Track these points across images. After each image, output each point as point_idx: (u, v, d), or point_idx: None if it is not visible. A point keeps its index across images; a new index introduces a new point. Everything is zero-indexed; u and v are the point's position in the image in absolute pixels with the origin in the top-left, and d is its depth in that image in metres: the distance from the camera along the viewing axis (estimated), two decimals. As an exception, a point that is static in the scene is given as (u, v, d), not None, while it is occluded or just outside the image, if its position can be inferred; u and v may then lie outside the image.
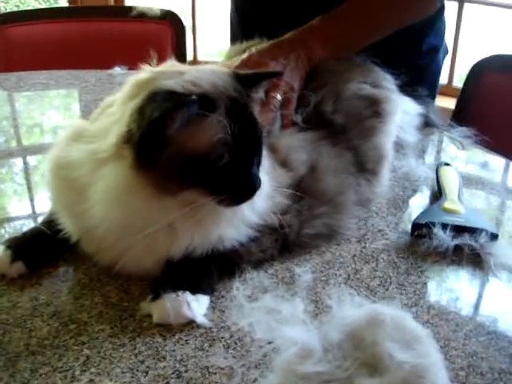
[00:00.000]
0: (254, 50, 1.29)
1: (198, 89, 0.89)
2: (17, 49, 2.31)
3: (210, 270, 0.96)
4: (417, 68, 1.60)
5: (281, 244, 1.04)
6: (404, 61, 1.40)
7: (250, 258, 1.00)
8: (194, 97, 0.85)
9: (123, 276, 0.97)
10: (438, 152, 1.60)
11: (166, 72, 0.94)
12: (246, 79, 0.97)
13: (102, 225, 0.92)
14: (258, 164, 0.95)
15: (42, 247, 1.02)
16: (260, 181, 0.92)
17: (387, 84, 1.38)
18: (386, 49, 1.37)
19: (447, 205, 1.15)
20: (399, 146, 1.42)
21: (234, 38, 1.76)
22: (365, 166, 1.22)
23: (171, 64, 1.01)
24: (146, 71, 0.96)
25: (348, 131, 1.23)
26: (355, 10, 1.43)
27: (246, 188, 0.91)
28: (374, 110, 1.29)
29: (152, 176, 0.87)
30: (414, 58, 1.64)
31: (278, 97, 1.21)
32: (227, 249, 0.97)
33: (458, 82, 3.82)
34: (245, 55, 1.27)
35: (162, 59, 1.02)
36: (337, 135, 1.21)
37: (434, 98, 1.75)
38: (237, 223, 0.98)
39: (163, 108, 0.83)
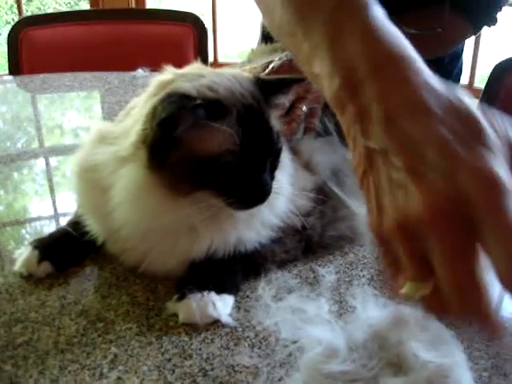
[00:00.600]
0: (284, 56, 1.28)
1: (212, 94, 0.89)
2: (41, 51, 2.34)
3: (235, 270, 0.97)
4: (440, 74, 1.59)
5: (304, 245, 1.05)
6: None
7: (274, 259, 1.00)
8: (199, 101, 0.85)
9: (149, 276, 0.99)
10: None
11: (187, 74, 0.95)
12: (269, 85, 0.97)
13: (124, 226, 0.94)
14: (273, 169, 0.95)
15: (69, 248, 1.03)
16: (270, 187, 0.92)
17: None
18: None
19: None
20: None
21: (264, 39, 1.76)
22: None
23: (196, 66, 1.02)
24: (169, 72, 0.97)
25: None
26: None
27: (255, 193, 0.91)
28: None
29: (164, 176, 0.89)
30: (439, 66, 1.63)
31: (304, 108, 1.20)
32: (250, 250, 0.98)
33: (479, 83, 3.80)
34: (277, 61, 1.25)
35: (184, 61, 1.03)
36: None
37: None
38: (256, 225, 0.98)
39: (170, 110, 0.84)
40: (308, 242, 1.05)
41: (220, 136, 0.87)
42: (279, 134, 0.95)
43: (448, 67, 1.72)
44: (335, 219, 1.08)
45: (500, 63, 1.96)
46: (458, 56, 1.76)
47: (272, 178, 0.94)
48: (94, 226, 1.01)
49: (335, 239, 1.07)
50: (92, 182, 0.99)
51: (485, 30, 1.55)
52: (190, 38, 2.33)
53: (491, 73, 1.98)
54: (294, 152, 1.11)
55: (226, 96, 0.90)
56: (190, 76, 0.94)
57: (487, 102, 1.95)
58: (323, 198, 1.07)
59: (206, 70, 0.99)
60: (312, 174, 1.11)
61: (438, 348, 0.71)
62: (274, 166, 0.95)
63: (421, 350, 0.70)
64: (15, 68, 2.30)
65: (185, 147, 0.88)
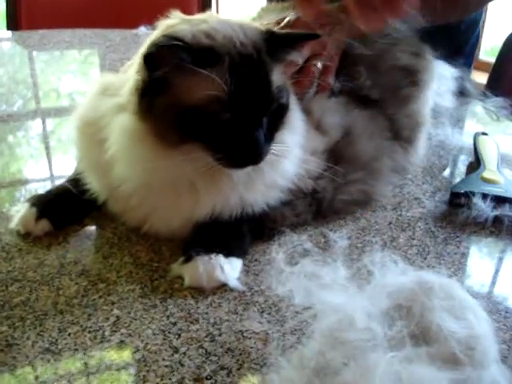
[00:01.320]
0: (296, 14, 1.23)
1: (207, 40, 0.85)
2: (40, 7, 2.28)
3: (243, 233, 0.93)
4: (456, 41, 1.56)
5: (315, 209, 1.01)
6: (445, 35, 1.35)
7: (284, 222, 0.97)
8: (183, 44, 0.81)
9: (152, 236, 0.95)
10: (473, 122, 1.55)
11: (192, 20, 0.91)
12: (279, 39, 0.91)
13: (120, 178, 0.91)
14: (272, 129, 0.89)
15: (68, 205, 0.99)
16: (263, 147, 0.86)
17: (425, 53, 1.33)
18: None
19: (486, 174, 1.11)
20: (436, 113, 1.38)
21: None
22: (400, 134, 1.17)
23: (208, 14, 0.97)
24: (176, 17, 0.92)
25: (384, 103, 1.17)
26: None
27: (245, 151, 0.86)
28: (411, 79, 1.23)
29: (152, 124, 0.86)
30: (456, 33, 1.59)
31: (319, 65, 1.14)
32: (259, 212, 0.94)
33: (486, 55, 3.76)
34: (291, 16, 1.19)
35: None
36: (372, 104, 1.16)
37: (469, 68, 1.70)
38: (260, 187, 0.94)
39: (153, 48, 0.81)
40: (318, 206, 1.01)
41: (207, 83, 0.82)
42: (282, 90, 0.90)
43: (465, 35, 1.68)
44: (346, 182, 1.03)
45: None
46: (475, 24, 1.71)
47: (270, 138, 0.89)
48: (94, 184, 0.97)
49: (346, 203, 1.03)
50: (92, 135, 0.95)
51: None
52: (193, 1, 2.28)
53: (503, 43, 1.93)
54: (306, 112, 1.06)
55: (221, 43, 0.85)
56: (194, 21, 0.89)
57: (499, 72, 1.91)
58: (334, 160, 1.03)
59: (214, 18, 0.94)
60: (324, 135, 1.06)
61: (464, 318, 0.67)
62: (273, 125, 0.89)
63: (446, 319, 0.66)
64: (14, 24, 2.24)
65: (171, 93, 0.84)
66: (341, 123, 1.09)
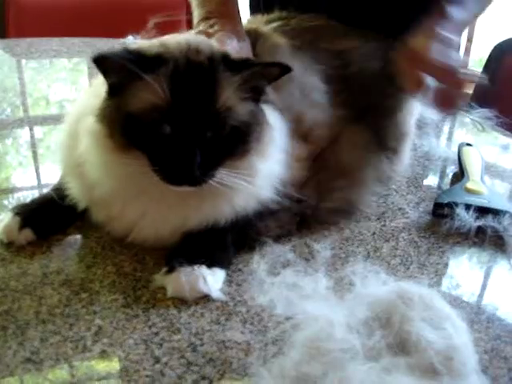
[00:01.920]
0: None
1: (158, 48, 0.86)
2: (28, 15, 2.27)
3: (227, 244, 0.93)
4: None
5: (299, 219, 1.01)
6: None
7: (268, 233, 0.96)
8: (125, 48, 0.84)
9: (137, 245, 0.95)
10: (459, 133, 1.56)
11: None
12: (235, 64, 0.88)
13: (93, 182, 0.92)
14: (219, 152, 0.86)
15: (52, 214, 0.99)
16: (201, 170, 0.83)
17: None
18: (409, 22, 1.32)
19: (470, 185, 1.12)
20: (421, 124, 1.39)
21: (254, 10, 1.71)
22: (386, 144, 1.18)
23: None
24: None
25: (371, 109, 1.18)
26: None
27: (177, 170, 0.84)
28: (396, 88, 1.24)
29: (106, 126, 0.87)
30: None
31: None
32: (243, 223, 0.94)
33: (473, 66, 3.77)
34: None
35: (175, 30, 0.99)
36: (360, 112, 1.17)
37: None
38: (233, 198, 0.92)
39: (100, 53, 0.83)
40: (303, 216, 1.01)
41: (148, 90, 0.83)
42: (237, 113, 0.86)
43: None
44: (330, 190, 1.04)
45: (499, 44, 1.92)
46: None
47: (215, 161, 0.86)
48: (74, 190, 0.97)
49: (330, 212, 1.04)
50: (73, 137, 0.96)
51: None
52: (182, 5, 2.27)
53: (490, 53, 1.94)
54: (296, 120, 1.06)
55: (170, 51, 0.86)
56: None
57: (483, 85, 1.91)
58: (318, 167, 1.03)
59: (197, 37, 0.95)
60: (310, 144, 1.06)
61: (443, 328, 0.67)
62: (222, 148, 0.86)
63: (425, 329, 0.66)
64: (1, 32, 2.23)
65: (120, 97, 0.85)
66: (328, 135, 1.09)
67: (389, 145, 1.19)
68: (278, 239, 0.97)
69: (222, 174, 0.86)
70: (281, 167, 0.96)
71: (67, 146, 0.99)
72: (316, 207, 1.02)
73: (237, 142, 0.87)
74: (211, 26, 1.14)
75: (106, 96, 0.87)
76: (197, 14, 1.20)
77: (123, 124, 0.85)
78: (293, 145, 1.01)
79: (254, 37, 1.18)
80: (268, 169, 0.93)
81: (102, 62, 0.83)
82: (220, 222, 0.92)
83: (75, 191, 0.97)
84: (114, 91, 0.87)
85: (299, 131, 1.05)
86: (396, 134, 1.21)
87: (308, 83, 1.13)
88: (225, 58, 0.87)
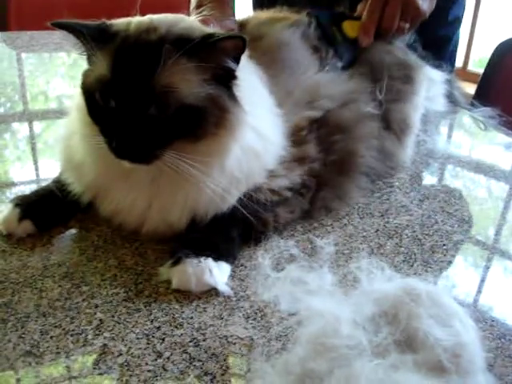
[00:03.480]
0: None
1: (121, 27, 0.87)
2: (30, 8, 2.26)
3: (233, 237, 0.92)
4: (439, 39, 1.60)
5: (309, 195, 1.02)
6: (429, 32, 1.38)
7: (278, 222, 0.97)
8: (83, 23, 0.86)
9: (139, 239, 0.94)
10: (461, 131, 1.56)
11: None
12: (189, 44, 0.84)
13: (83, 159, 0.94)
14: (169, 132, 0.84)
15: (52, 206, 0.98)
16: (137, 147, 0.83)
17: (412, 56, 1.35)
18: None
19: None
20: (425, 121, 1.38)
21: (258, 5, 1.71)
22: (390, 126, 1.19)
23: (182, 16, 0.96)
24: None
25: (380, 85, 1.20)
26: None
27: (118, 145, 0.84)
28: (406, 73, 1.25)
29: (83, 98, 0.89)
30: (439, 29, 1.61)
31: None
32: (251, 215, 0.92)
33: (473, 67, 3.78)
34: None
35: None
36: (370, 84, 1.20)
37: (452, 68, 1.73)
38: (187, 190, 0.90)
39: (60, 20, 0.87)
40: (315, 185, 1.02)
41: (98, 63, 0.85)
42: (184, 93, 0.83)
43: (449, 29, 1.70)
44: (331, 143, 1.06)
45: (502, 43, 1.91)
46: (458, 20, 1.73)
47: (160, 140, 0.84)
48: (74, 185, 0.97)
49: (334, 166, 1.05)
50: (71, 131, 0.98)
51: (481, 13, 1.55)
52: (185, 2, 2.26)
53: (493, 53, 1.93)
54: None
55: (123, 27, 0.86)
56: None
57: (488, 81, 1.91)
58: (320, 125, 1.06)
59: (176, 16, 0.94)
60: (312, 108, 1.08)
61: (451, 325, 0.66)
62: (166, 126, 0.84)
63: (433, 327, 0.65)
64: (3, 25, 2.22)
65: (87, 70, 0.88)
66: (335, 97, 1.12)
67: (392, 127, 1.20)
68: (287, 226, 0.98)
69: (172, 157, 0.84)
70: (254, 165, 0.94)
71: (64, 140, 0.99)
72: (323, 163, 1.03)
73: (187, 124, 0.85)
74: (200, 13, 1.15)
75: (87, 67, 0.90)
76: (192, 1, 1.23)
77: (84, 96, 0.88)
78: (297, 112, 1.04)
79: (246, 21, 1.26)
80: (229, 162, 0.90)
81: (62, 28, 0.87)
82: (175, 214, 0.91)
83: (75, 186, 0.96)
84: (89, 62, 0.89)
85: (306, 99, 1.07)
86: (400, 122, 1.22)
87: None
88: (179, 38, 0.84)
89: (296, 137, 1.02)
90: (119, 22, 0.89)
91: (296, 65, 1.13)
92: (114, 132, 0.83)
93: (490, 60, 1.93)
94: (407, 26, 1.29)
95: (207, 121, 0.85)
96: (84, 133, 0.91)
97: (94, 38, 0.85)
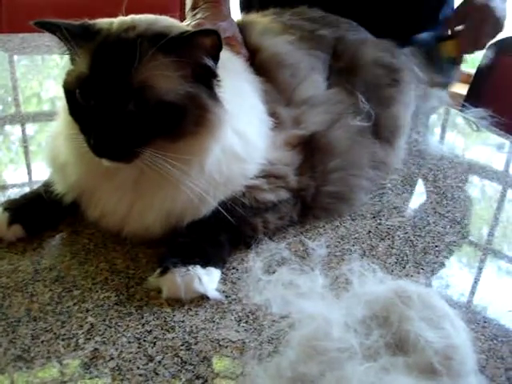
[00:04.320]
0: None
1: (102, 26, 0.87)
2: (21, 10, 2.26)
3: (221, 242, 0.91)
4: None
5: (300, 207, 1.01)
6: (419, 32, 1.39)
7: (268, 227, 0.96)
8: (64, 22, 0.86)
9: (130, 243, 0.94)
10: (454, 132, 1.56)
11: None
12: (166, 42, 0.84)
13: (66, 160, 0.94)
14: (135, 126, 0.83)
15: (42, 210, 0.97)
16: (115, 145, 0.83)
17: (402, 56, 1.35)
18: (403, 22, 1.33)
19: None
20: (417, 121, 1.38)
21: (245, 8, 1.71)
22: (380, 134, 1.18)
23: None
24: None
25: (367, 99, 1.17)
26: None
27: (96, 142, 0.83)
28: (393, 77, 1.25)
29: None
30: (430, 29, 1.62)
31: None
32: (236, 220, 0.92)
33: (465, 67, 3.78)
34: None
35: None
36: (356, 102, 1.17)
37: None
38: (166, 190, 0.89)
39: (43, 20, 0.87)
40: (303, 203, 1.01)
41: (78, 62, 0.86)
42: (161, 90, 0.83)
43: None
44: (327, 171, 1.03)
45: (494, 43, 1.91)
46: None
47: (139, 138, 0.84)
48: (59, 185, 0.97)
49: (331, 197, 1.03)
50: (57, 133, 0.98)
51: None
52: (176, 5, 2.27)
53: (485, 53, 1.93)
54: (290, 101, 1.08)
55: (105, 27, 0.87)
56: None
57: (480, 82, 1.92)
58: (311, 150, 1.03)
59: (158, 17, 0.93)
60: (300, 129, 1.05)
61: (442, 327, 0.66)
62: (144, 124, 0.83)
63: (424, 329, 0.65)
64: (-6, 27, 2.22)
65: (70, 69, 0.89)
66: (322, 120, 1.09)
67: (383, 135, 1.18)
68: (278, 232, 0.97)
69: (151, 156, 0.84)
70: (235, 169, 0.93)
71: (51, 141, 1.00)
72: (316, 192, 1.01)
73: (166, 121, 0.84)
74: (194, 16, 1.15)
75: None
76: (187, 1, 1.24)
77: (65, 94, 0.88)
78: (282, 130, 1.02)
79: (244, 24, 1.22)
80: (208, 162, 0.89)
81: (43, 28, 0.88)
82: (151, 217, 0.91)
83: (59, 187, 0.96)
84: (71, 62, 0.90)
85: (291, 116, 1.04)
86: (391, 126, 1.21)
87: (302, 65, 1.15)
88: (156, 35, 0.84)
89: (284, 154, 1.01)
90: (101, 22, 0.89)
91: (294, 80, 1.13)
92: (93, 129, 0.83)
93: (481, 61, 1.93)
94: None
95: (186, 119, 0.85)
96: (67, 133, 0.91)
97: (74, 37, 0.85)
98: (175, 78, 0.84)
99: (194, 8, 1.26)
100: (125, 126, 0.82)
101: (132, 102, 0.82)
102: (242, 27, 1.22)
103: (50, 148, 0.99)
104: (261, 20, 1.27)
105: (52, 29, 0.87)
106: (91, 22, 0.89)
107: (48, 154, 1.00)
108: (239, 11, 1.81)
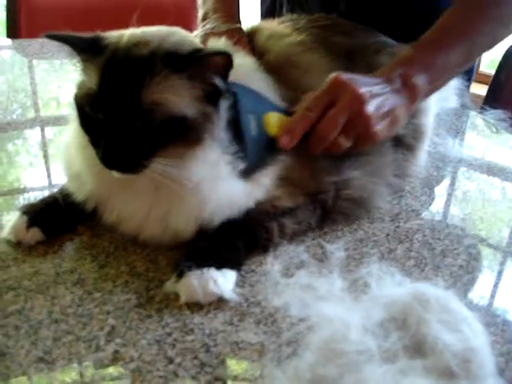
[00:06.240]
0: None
1: (112, 40, 0.88)
2: (40, 15, 2.27)
3: (236, 245, 0.92)
4: None
5: (320, 212, 1.01)
6: None
7: (285, 231, 0.96)
8: (74, 35, 0.88)
9: (149, 245, 0.94)
10: (473, 134, 1.55)
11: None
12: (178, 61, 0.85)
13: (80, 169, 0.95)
14: (143, 140, 0.84)
15: (61, 214, 0.98)
16: (123, 159, 0.84)
17: None
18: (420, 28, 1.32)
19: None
20: (437, 124, 1.38)
21: (268, 13, 1.71)
22: (401, 141, 1.17)
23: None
24: None
25: None
26: (450, 32, 1.15)
27: (106, 156, 0.85)
28: None
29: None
30: None
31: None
32: (254, 224, 0.93)
33: (486, 68, 3.76)
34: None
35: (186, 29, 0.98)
36: None
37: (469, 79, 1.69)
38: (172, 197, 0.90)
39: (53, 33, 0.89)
40: (323, 208, 1.01)
41: (87, 75, 0.86)
42: (171, 107, 0.84)
43: None
44: (347, 179, 1.03)
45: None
46: None
47: (147, 150, 0.85)
48: (77, 194, 0.97)
49: (351, 203, 1.03)
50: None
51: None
52: (193, 7, 2.27)
53: (503, 56, 1.93)
54: None
55: (113, 41, 0.87)
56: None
57: (499, 85, 1.91)
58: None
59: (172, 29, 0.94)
60: None
61: (461, 330, 0.66)
62: (153, 138, 0.84)
63: (442, 332, 0.65)
64: (13, 32, 2.24)
65: (79, 82, 0.89)
66: None
67: (405, 141, 1.18)
68: (295, 236, 0.97)
69: (160, 165, 0.85)
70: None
71: (65, 149, 1.01)
72: (336, 196, 1.01)
73: (174, 134, 0.85)
74: (204, 26, 1.16)
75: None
76: (199, 14, 1.23)
77: (77, 107, 0.89)
78: None
79: (252, 31, 1.23)
80: (215, 171, 0.90)
81: (55, 40, 0.89)
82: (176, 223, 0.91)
83: (78, 195, 0.97)
84: (82, 74, 0.90)
85: None
86: (414, 134, 1.20)
87: (315, 68, 1.14)
88: (169, 54, 0.85)
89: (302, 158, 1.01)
90: (112, 35, 0.89)
91: None
92: (102, 142, 0.84)
93: (500, 63, 1.93)
94: (346, 144, 1.00)
95: (194, 129, 0.86)
96: (79, 143, 0.92)
97: (85, 50, 0.87)
98: (185, 97, 0.85)
99: (204, 19, 1.28)
100: (132, 141, 0.84)
101: (141, 120, 0.83)
102: (251, 34, 1.23)
103: (65, 157, 1.00)
104: (270, 26, 1.27)
105: (63, 42, 0.88)
106: (102, 34, 0.89)
107: (63, 163, 1.01)
108: (260, 18, 1.81)
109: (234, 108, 0.92)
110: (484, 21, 1.13)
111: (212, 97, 0.87)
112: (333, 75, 1.02)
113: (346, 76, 1.02)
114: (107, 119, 0.84)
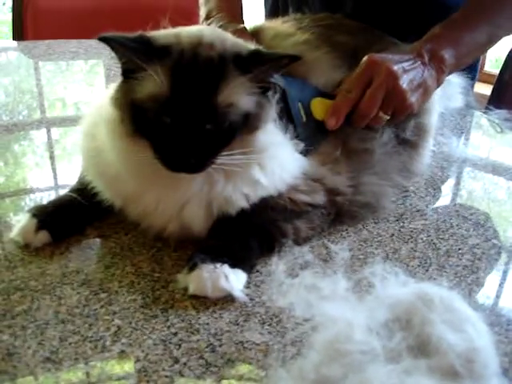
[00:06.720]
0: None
1: (165, 39, 0.86)
2: (46, 17, 2.28)
3: (250, 246, 0.92)
4: None
5: (333, 218, 1.02)
6: None
7: (298, 235, 0.96)
8: (130, 36, 0.84)
9: (155, 246, 0.95)
10: (478, 134, 1.55)
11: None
12: (261, 57, 0.89)
13: (115, 171, 0.93)
14: (210, 140, 0.85)
15: (69, 217, 0.99)
16: (196, 159, 0.85)
17: None
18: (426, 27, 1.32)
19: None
20: (441, 123, 1.38)
21: (272, 13, 1.71)
22: (405, 138, 1.18)
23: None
24: None
25: None
26: (476, 14, 1.25)
27: (173, 156, 0.85)
28: None
29: (118, 110, 0.89)
30: None
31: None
32: (270, 225, 0.94)
33: (490, 67, 3.76)
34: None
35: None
36: None
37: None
38: (240, 186, 0.92)
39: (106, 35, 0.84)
40: (338, 211, 1.02)
41: (150, 79, 0.84)
42: (240, 107, 0.86)
43: None
44: (360, 184, 1.05)
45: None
46: None
47: (213, 150, 0.87)
48: (102, 191, 0.97)
49: (362, 207, 1.04)
50: (91, 139, 0.98)
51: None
52: (195, 6, 2.27)
53: (507, 55, 1.93)
54: None
55: (177, 42, 0.86)
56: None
57: (503, 84, 1.91)
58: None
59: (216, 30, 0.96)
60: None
61: (465, 330, 0.67)
62: (220, 138, 0.87)
63: (446, 332, 0.66)
64: (19, 34, 2.25)
65: (129, 83, 0.87)
66: None
67: (409, 140, 1.18)
68: (308, 241, 0.98)
69: (225, 157, 0.87)
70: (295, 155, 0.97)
71: (87, 149, 1.00)
72: (351, 201, 1.03)
73: (238, 130, 0.88)
74: (208, 25, 1.16)
75: (121, 79, 0.90)
76: (201, 12, 1.23)
77: (130, 110, 0.87)
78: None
79: (256, 31, 1.23)
80: (274, 150, 0.94)
81: (107, 43, 0.85)
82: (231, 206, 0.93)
83: (103, 191, 0.97)
84: (126, 75, 0.88)
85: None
86: (417, 132, 1.21)
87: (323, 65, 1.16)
88: (237, 56, 0.87)
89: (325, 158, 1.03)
90: (163, 35, 0.88)
91: None
92: (170, 147, 0.84)
93: (504, 62, 1.93)
94: (386, 117, 1.11)
95: (256, 123, 0.90)
96: (121, 147, 0.90)
97: (139, 53, 0.84)
98: (250, 95, 0.87)
99: (207, 18, 1.28)
100: (203, 142, 0.84)
101: (213, 122, 0.84)
102: (254, 33, 1.23)
103: (94, 164, 0.99)
104: (274, 25, 1.27)
105: (115, 45, 0.85)
106: (149, 34, 0.87)
107: (93, 171, 0.99)
108: (264, 18, 1.81)
109: (283, 98, 1.00)
110: (508, 6, 1.25)
111: (266, 89, 0.91)
112: (366, 57, 1.13)
113: (378, 56, 1.13)
114: (177, 123, 0.84)
